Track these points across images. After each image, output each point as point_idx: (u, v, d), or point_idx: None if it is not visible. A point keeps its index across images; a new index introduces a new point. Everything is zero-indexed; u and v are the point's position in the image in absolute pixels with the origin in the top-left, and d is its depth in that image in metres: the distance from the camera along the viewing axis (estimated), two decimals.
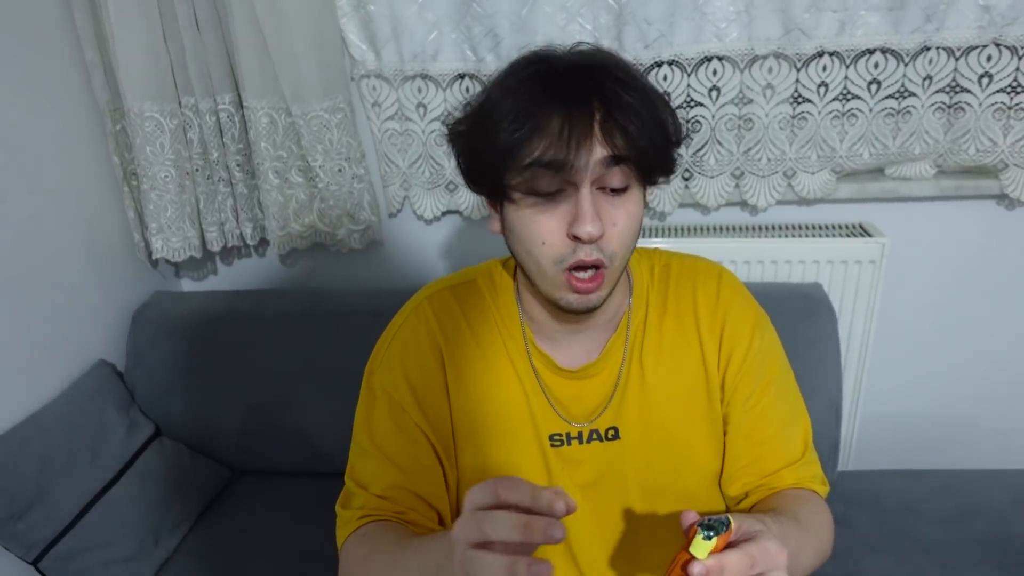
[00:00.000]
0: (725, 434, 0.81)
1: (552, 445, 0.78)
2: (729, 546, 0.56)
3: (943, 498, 1.25)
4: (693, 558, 0.53)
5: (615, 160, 0.65)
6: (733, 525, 0.56)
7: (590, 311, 0.71)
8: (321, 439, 1.39)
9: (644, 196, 0.72)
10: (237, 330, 1.46)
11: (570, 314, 0.72)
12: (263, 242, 1.67)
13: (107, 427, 1.30)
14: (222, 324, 1.47)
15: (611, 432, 0.78)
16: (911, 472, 1.31)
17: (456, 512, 0.82)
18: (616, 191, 0.67)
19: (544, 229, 0.67)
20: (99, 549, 1.19)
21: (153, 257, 1.55)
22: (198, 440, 1.44)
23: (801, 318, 1.32)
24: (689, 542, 0.55)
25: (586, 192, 0.65)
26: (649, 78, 0.70)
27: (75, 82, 1.46)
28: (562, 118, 0.63)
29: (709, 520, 0.56)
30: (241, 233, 1.60)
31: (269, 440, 1.43)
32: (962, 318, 1.47)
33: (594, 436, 0.78)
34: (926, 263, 1.45)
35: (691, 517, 0.57)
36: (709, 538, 0.55)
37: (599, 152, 0.64)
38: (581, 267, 0.68)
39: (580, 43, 0.71)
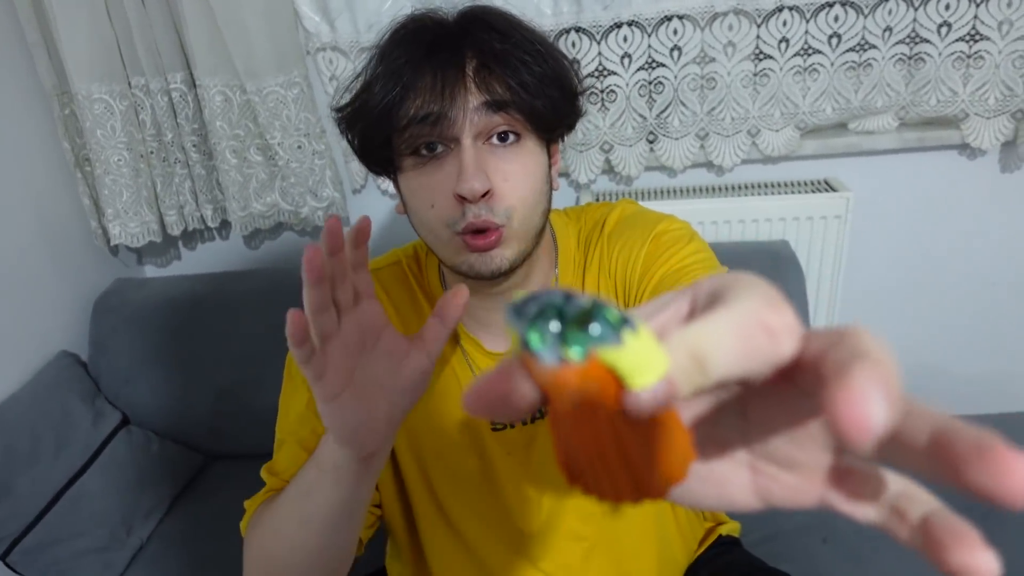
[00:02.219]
0: None
1: (494, 429, 0.74)
2: None
3: None
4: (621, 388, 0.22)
5: (494, 106, 0.61)
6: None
7: (499, 276, 0.66)
8: None
9: (547, 151, 0.68)
10: (202, 314, 1.44)
11: (482, 282, 0.67)
12: (225, 224, 1.63)
13: (72, 418, 1.28)
14: (186, 309, 1.44)
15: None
16: None
17: (395, 501, 0.79)
18: (505, 141, 0.63)
19: (430, 191, 0.63)
20: (69, 540, 1.17)
21: (112, 244, 1.52)
22: (168, 427, 1.42)
23: (769, 275, 1.27)
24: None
25: (468, 144, 0.61)
26: (540, 34, 0.67)
27: (18, 66, 1.40)
28: (433, 71, 0.61)
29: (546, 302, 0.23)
30: (202, 216, 1.57)
31: (241, 424, 1.41)
32: (927, 269, 1.48)
33: (537, 415, 0.74)
34: (891, 216, 1.46)
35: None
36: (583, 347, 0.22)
37: (475, 99, 0.61)
38: (475, 230, 0.63)
39: (470, 5, 0.68)
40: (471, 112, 0.61)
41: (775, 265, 1.34)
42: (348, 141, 0.69)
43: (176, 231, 1.55)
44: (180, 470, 1.39)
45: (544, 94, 0.64)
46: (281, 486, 0.71)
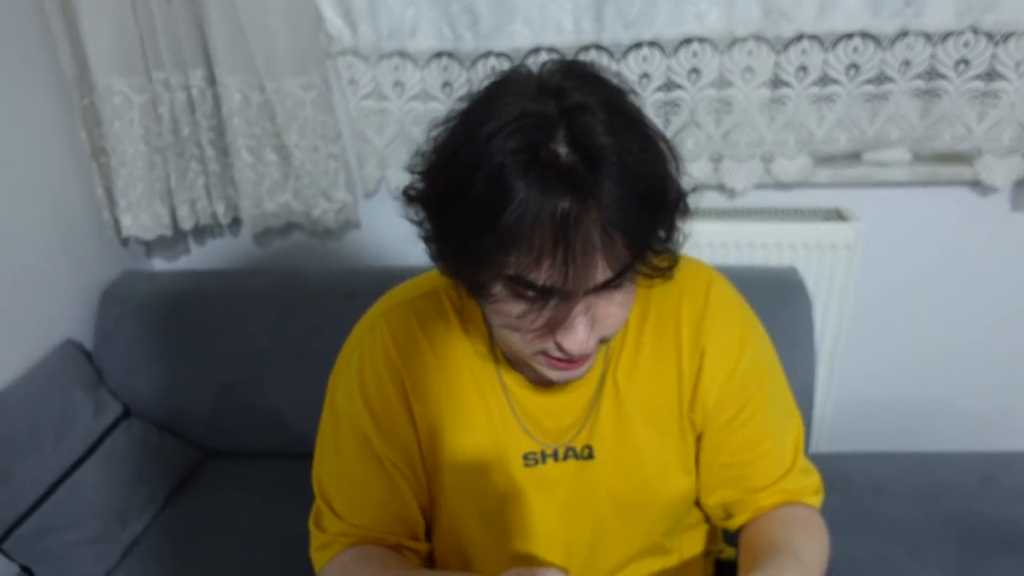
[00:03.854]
0: (698, 450, 0.77)
1: (526, 464, 0.75)
2: None
3: (912, 479, 1.26)
4: None
5: (617, 278, 0.57)
6: None
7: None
8: (293, 419, 1.38)
9: None
10: (208, 310, 1.44)
11: None
12: (236, 221, 1.64)
13: (73, 407, 1.28)
14: (192, 304, 1.45)
15: (586, 451, 0.74)
16: (882, 454, 1.32)
17: (436, 529, 0.81)
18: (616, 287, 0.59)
19: (524, 323, 0.58)
20: (64, 531, 1.17)
21: (123, 235, 1.52)
22: (168, 421, 1.42)
23: (776, 302, 1.32)
24: None
25: (580, 308, 0.57)
26: (652, 121, 0.60)
27: (40, 54, 1.41)
28: (555, 240, 0.52)
29: None
30: (213, 212, 1.57)
31: (241, 421, 1.41)
32: (935, 303, 1.48)
33: (570, 454, 0.75)
34: (900, 248, 1.46)
35: None
36: None
37: (601, 275, 0.55)
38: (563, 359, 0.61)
39: (562, 67, 0.59)
40: (593, 286, 0.56)
41: (783, 291, 1.34)
42: (415, 222, 0.63)
43: (187, 226, 1.55)
44: (178, 465, 1.38)
45: (659, 239, 0.59)
46: (353, 533, 0.75)
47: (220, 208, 1.56)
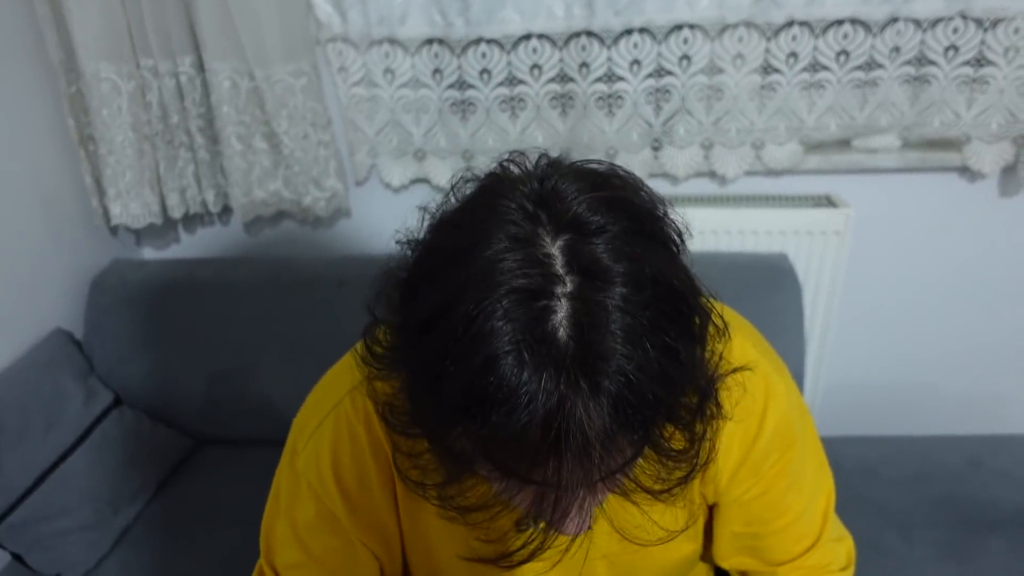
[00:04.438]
0: (713, 517, 0.72)
1: (518, 530, 0.69)
2: None
3: (901, 462, 1.27)
4: None
5: (621, 471, 0.49)
6: None
7: None
8: (285, 408, 1.37)
9: None
10: (198, 298, 1.43)
11: None
12: (226, 210, 1.63)
13: (63, 396, 1.27)
14: (183, 292, 1.44)
15: None
16: (871, 438, 1.34)
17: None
18: None
19: (506, 496, 0.52)
20: (55, 519, 1.16)
21: (112, 224, 1.51)
22: (159, 409, 1.41)
23: (766, 288, 1.33)
24: None
25: (576, 497, 0.48)
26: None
27: (26, 40, 1.40)
28: (550, 436, 0.43)
29: None
30: (203, 200, 1.56)
31: (232, 409, 1.41)
32: (924, 288, 1.50)
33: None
34: (889, 234, 1.47)
35: None
36: None
37: (600, 473, 0.46)
38: None
39: (580, 186, 0.48)
40: (591, 482, 0.47)
41: (773, 278, 1.35)
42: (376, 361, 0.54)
43: (177, 214, 1.54)
44: (169, 453, 1.38)
45: (677, 454, 0.51)
46: None
47: (210, 196, 1.55)
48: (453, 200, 0.53)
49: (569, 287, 0.44)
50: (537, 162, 0.52)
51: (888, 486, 1.22)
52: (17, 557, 1.16)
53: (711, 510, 0.74)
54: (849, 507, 1.17)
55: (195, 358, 1.41)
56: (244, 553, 1.19)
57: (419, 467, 0.56)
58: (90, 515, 1.19)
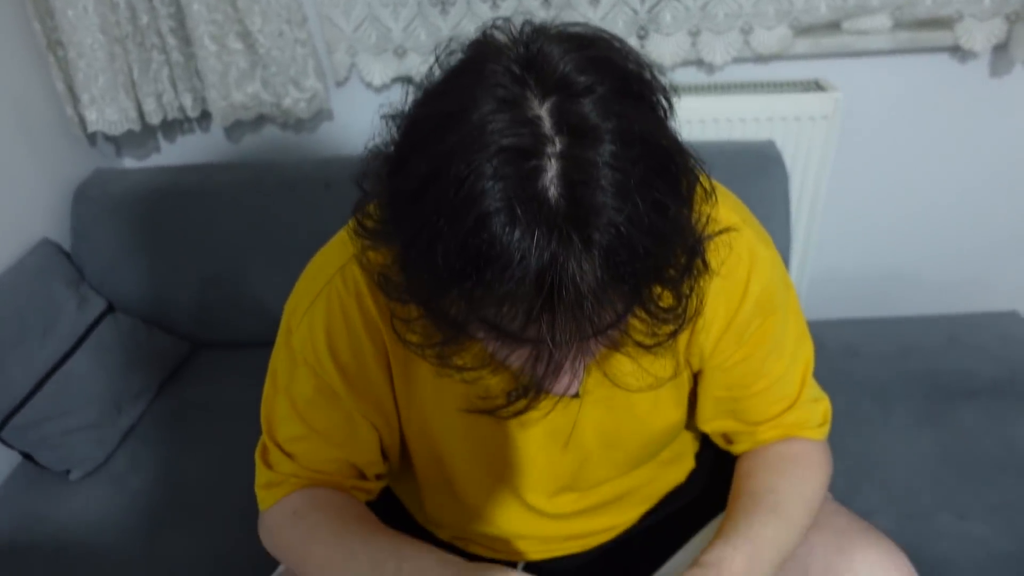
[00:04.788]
0: (697, 384, 0.75)
1: (511, 400, 0.69)
2: None
3: (883, 341, 1.31)
4: None
5: (612, 327, 0.50)
6: None
7: None
8: (277, 309, 1.33)
9: None
10: (184, 205, 1.42)
11: None
12: (205, 115, 1.59)
13: (57, 303, 1.28)
14: (168, 199, 1.43)
15: None
16: (855, 320, 1.37)
17: (416, 459, 0.78)
18: None
19: (498, 356, 0.54)
20: (60, 418, 1.19)
21: (89, 131, 1.48)
22: (153, 315, 1.42)
23: (754, 176, 1.33)
24: None
25: (567, 354, 0.50)
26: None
27: None
28: (542, 292, 0.44)
29: None
30: (180, 105, 1.53)
31: (226, 313, 1.42)
32: (912, 172, 1.50)
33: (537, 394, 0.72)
34: (879, 117, 1.46)
35: None
36: None
37: (592, 329, 0.47)
38: None
39: (565, 45, 0.48)
40: (583, 338, 0.48)
41: (760, 165, 1.34)
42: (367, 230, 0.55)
43: (155, 120, 1.51)
44: (168, 356, 1.41)
45: (665, 313, 0.52)
46: (307, 475, 0.72)
47: (187, 101, 1.52)
48: (438, 71, 0.53)
49: (558, 146, 0.44)
50: (522, 28, 0.51)
51: (868, 363, 1.26)
52: (27, 456, 1.20)
53: (696, 378, 0.76)
54: (830, 384, 1.20)
55: (185, 264, 1.41)
56: (247, 445, 1.23)
57: (415, 332, 0.58)
58: (95, 415, 1.22)
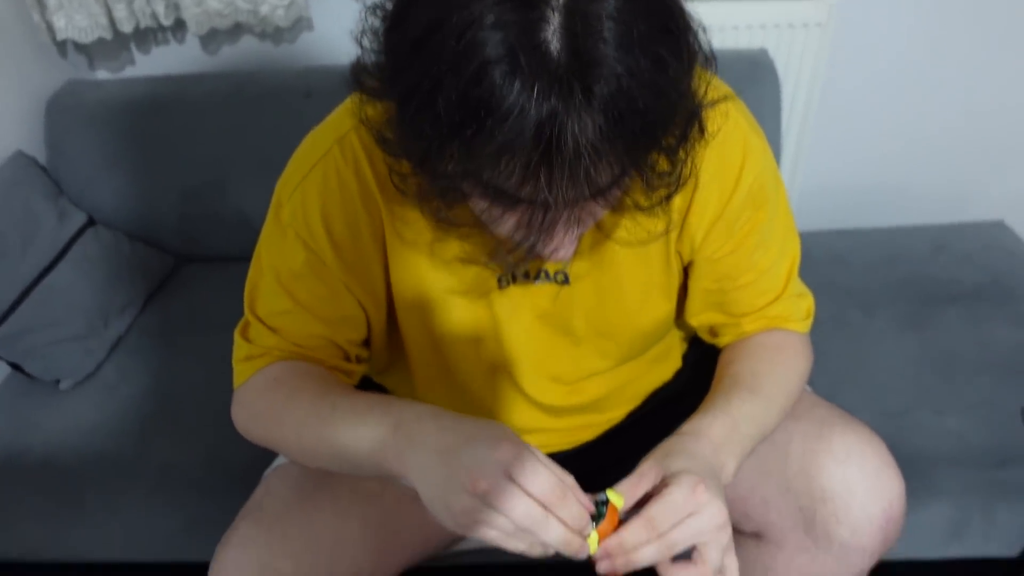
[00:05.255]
0: (687, 275, 0.76)
1: (500, 287, 0.72)
2: (640, 504, 0.55)
3: (870, 250, 1.32)
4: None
5: (608, 189, 0.50)
6: (614, 500, 0.54)
7: None
8: (260, 222, 1.36)
9: None
10: (162, 116, 1.38)
11: None
12: (180, 24, 1.53)
13: (35, 215, 1.25)
14: (145, 111, 1.39)
15: (560, 276, 0.71)
16: (842, 231, 1.37)
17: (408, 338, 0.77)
18: None
19: (489, 218, 0.54)
20: (46, 329, 1.19)
21: (58, 38, 1.42)
22: (135, 228, 1.40)
23: (744, 83, 1.29)
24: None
25: (563, 219, 0.50)
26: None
27: None
28: (540, 148, 0.44)
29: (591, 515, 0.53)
30: (153, 12, 1.46)
31: (208, 226, 1.40)
32: (904, 81, 1.47)
33: (543, 275, 0.71)
34: (872, 25, 1.42)
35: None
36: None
37: (589, 189, 0.47)
38: None
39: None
40: (579, 199, 0.49)
41: (751, 73, 1.32)
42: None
43: (127, 28, 1.45)
44: (152, 270, 1.39)
45: (661, 177, 0.53)
46: (288, 349, 0.71)
47: (159, 7, 1.45)
48: None
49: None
50: None
51: (854, 271, 1.27)
52: (15, 366, 1.20)
53: (686, 272, 0.77)
54: (816, 291, 1.21)
55: (164, 176, 1.38)
56: (231, 355, 1.24)
57: (411, 189, 0.57)
58: (81, 326, 1.22)
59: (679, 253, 0.74)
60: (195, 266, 1.46)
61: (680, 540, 0.54)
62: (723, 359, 0.78)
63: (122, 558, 1.09)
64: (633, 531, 0.54)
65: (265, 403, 0.70)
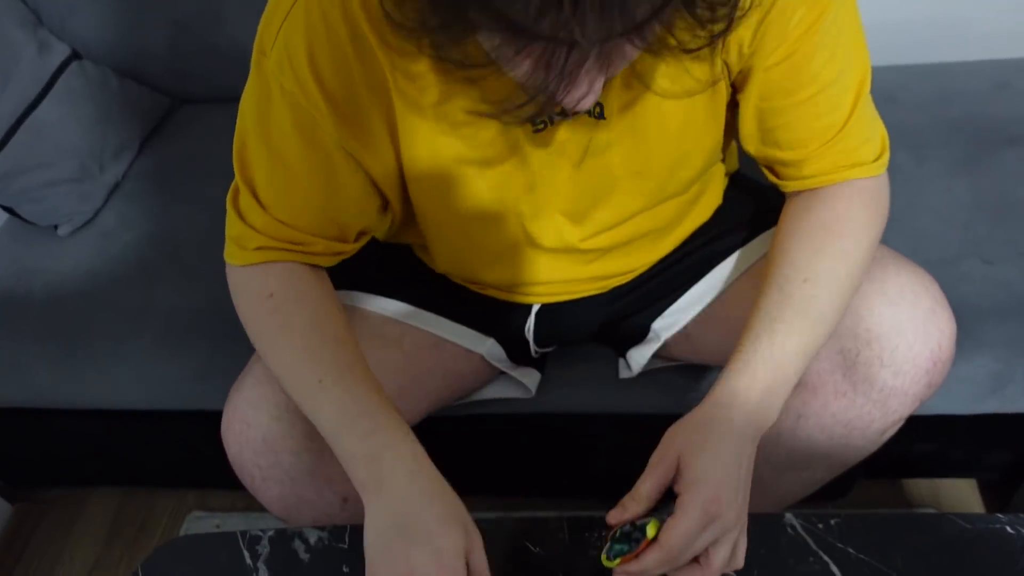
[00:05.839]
0: (736, 95, 0.67)
1: (536, 130, 0.63)
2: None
3: (923, 87, 1.20)
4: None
5: (643, 27, 0.41)
6: (651, 533, 0.53)
7: None
8: None
9: None
10: None
11: None
12: None
13: (13, 47, 1.14)
14: None
15: (597, 108, 0.63)
16: (893, 66, 1.24)
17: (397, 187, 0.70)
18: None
19: (508, 62, 0.45)
20: (36, 171, 1.12)
21: None
22: (125, 65, 1.29)
23: None
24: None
25: (591, 60, 0.42)
26: None
27: None
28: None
29: (623, 530, 0.55)
30: None
31: (203, 62, 1.29)
32: None
33: (566, 113, 0.62)
34: None
35: (613, 518, 0.55)
36: (613, 557, 0.54)
37: (620, 26, 0.39)
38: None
39: None
40: (609, 37, 0.40)
41: None
42: None
43: None
44: (147, 111, 1.30)
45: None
46: (275, 231, 0.67)
47: None
48: None
49: None
50: None
51: (905, 110, 1.16)
52: (9, 210, 1.15)
53: (734, 88, 0.67)
54: None
55: (152, 5, 1.26)
56: None
57: (408, 18, 0.47)
58: (75, 169, 1.15)
59: (726, 63, 0.63)
60: (193, 107, 1.37)
61: (692, 554, 0.54)
62: (782, 228, 0.68)
63: (133, 405, 1.07)
64: (650, 558, 0.53)
65: (257, 323, 0.68)
